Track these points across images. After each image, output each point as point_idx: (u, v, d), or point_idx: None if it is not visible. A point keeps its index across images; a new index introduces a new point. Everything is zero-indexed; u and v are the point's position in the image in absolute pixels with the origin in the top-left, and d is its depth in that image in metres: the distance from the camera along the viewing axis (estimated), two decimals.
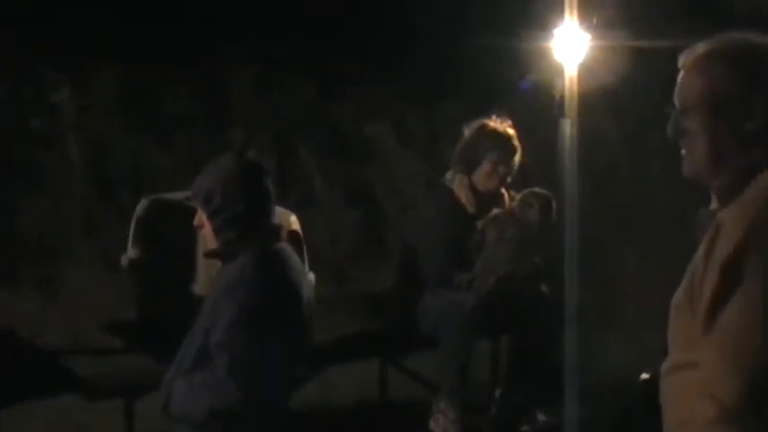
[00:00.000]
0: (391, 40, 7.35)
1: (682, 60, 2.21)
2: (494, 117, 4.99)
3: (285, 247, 3.31)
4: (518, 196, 4.90)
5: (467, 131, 5.00)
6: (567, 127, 4.37)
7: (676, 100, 2.19)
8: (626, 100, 5.92)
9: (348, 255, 7.33)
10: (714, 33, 2.24)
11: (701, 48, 2.19)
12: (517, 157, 4.96)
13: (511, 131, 4.95)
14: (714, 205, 2.15)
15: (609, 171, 7.51)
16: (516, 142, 4.94)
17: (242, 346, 3.07)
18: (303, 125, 8.19)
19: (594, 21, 4.39)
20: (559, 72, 4.44)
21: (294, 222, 5.09)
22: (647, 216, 7.23)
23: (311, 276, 5.07)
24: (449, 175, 5.02)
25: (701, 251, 2.05)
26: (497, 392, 5.05)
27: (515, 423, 4.90)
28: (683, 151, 2.19)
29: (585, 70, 4.40)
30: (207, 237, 3.29)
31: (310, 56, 8.03)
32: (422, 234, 5.01)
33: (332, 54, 7.90)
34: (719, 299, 1.97)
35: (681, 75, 2.21)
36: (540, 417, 4.86)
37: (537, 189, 4.88)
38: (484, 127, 4.95)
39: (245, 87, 8.32)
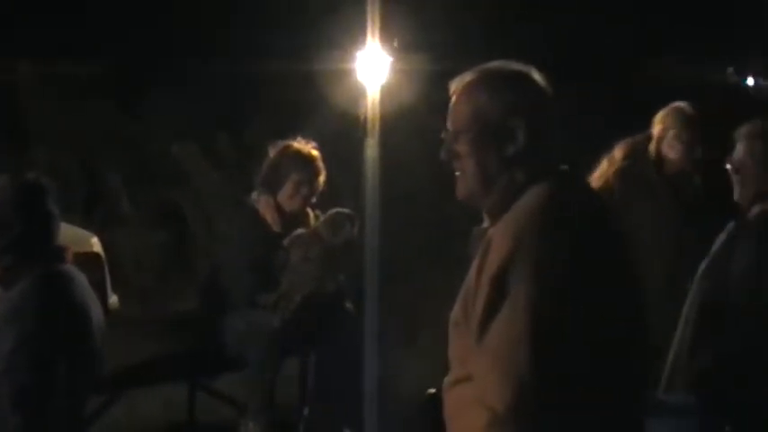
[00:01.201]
0: (199, 61, 7.32)
1: (453, 87, 2.32)
2: (298, 138, 5.04)
3: (70, 269, 3.21)
4: (323, 216, 4.96)
5: (271, 152, 5.03)
6: (370, 147, 4.45)
7: (449, 124, 2.29)
8: (427, 120, 6.08)
9: (155, 276, 7.22)
10: (508, 58, 2.36)
11: (468, 75, 2.30)
12: (321, 178, 5.02)
13: (314, 153, 5.01)
14: (486, 223, 2.26)
15: (412, 190, 7.70)
16: (320, 163, 5.00)
17: (25, 373, 2.98)
18: (109, 146, 8.02)
19: (396, 44, 4.49)
20: (362, 94, 4.52)
21: (96, 244, 4.99)
22: (448, 234, 7.43)
23: (114, 298, 4.98)
24: (254, 195, 5.03)
25: (474, 267, 2.15)
26: (305, 411, 5.08)
27: None
28: (456, 173, 2.29)
29: (388, 92, 4.49)
30: None
31: (116, 77, 7.89)
32: (227, 254, 5.00)
33: (138, 75, 7.79)
34: (490, 311, 2.07)
35: (452, 101, 2.31)
36: None
37: (341, 209, 4.95)
38: (287, 148, 5.00)
39: (46, 108, 8.08)
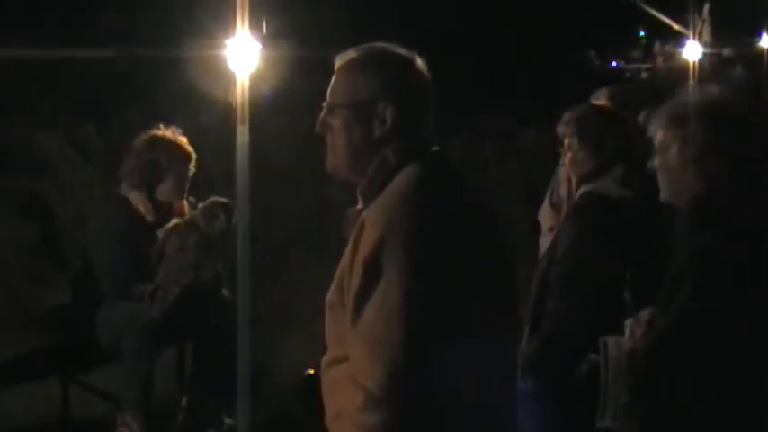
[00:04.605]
0: (63, 48, 7.13)
1: (337, 63, 2.37)
2: (161, 127, 5.00)
3: None
4: (200, 205, 4.92)
5: (137, 145, 4.97)
6: (241, 135, 4.43)
7: (327, 97, 2.34)
8: (297, 107, 6.10)
9: (24, 270, 7.03)
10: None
11: (351, 54, 2.35)
12: (192, 164, 5.00)
13: (182, 139, 4.98)
14: (360, 205, 2.30)
15: (286, 175, 7.71)
16: (189, 149, 4.98)
17: None
18: None
19: (265, 31, 4.49)
20: (233, 81, 4.50)
21: None
22: (324, 217, 7.47)
23: None
24: (124, 186, 4.96)
25: (348, 249, 2.19)
26: (183, 400, 5.05)
27: (203, 428, 4.92)
28: (328, 147, 2.33)
29: (257, 78, 4.48)
30: None
31: None
32: (100, 246, 4.92)
33: None
34: (363, 293, 2.11)
35: (334, 76, 2.36)
36: (228, 420, 4.91)
37: (217, 198, 4.93)
38: (155, 139, 4.95)
39: None
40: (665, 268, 2.72)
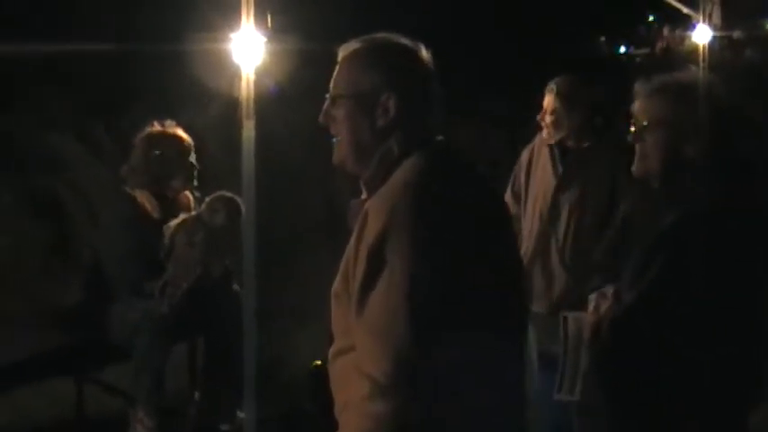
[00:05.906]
0: (67, 48, 7.14)
1: (340, 53, 2.36)
2: (155, 123, 5.02)
3: None
4: (206, 200, 4.93)
5: (137, 141, 5.00)
6: (247, 129, 4.43)
7: (330, 88, 2.33)
8: (302, 101, 6.09)
9: (37, 269, 7.06)
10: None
11: (354, 44, 2.34)
12: (192, 158, 5.01)
13: (180, 132, 5.00)
14: (364, 195, 2.29)
15: (292, 169, 7.71)
16: (188, 142, 5.00)
17: None
18: None
19: (269, 24, 4.48)
20: (238, 75, 4.49)
21: None
22: (331, 210, 7.47)
23: None
24: (129, 184, 4.98)
25: (352, 240, 2.19)
26: (196, 394, 5.06)
27: (215, 423, 4.94)
28: (334, 140, 2.33)
29: (263, 72, 4.48)
30: None
31: None
32: (109, 244, 4.93)
33: (6, 64, 7.53)
34: (368, 283, 2.10)
35: (337, 66, 2.35)
36: (240, 414, 4.92)
37: (224, 193, 4.93)
38: (153, 134, 4.97)
39: None
40: (635, 244, 2.74)
